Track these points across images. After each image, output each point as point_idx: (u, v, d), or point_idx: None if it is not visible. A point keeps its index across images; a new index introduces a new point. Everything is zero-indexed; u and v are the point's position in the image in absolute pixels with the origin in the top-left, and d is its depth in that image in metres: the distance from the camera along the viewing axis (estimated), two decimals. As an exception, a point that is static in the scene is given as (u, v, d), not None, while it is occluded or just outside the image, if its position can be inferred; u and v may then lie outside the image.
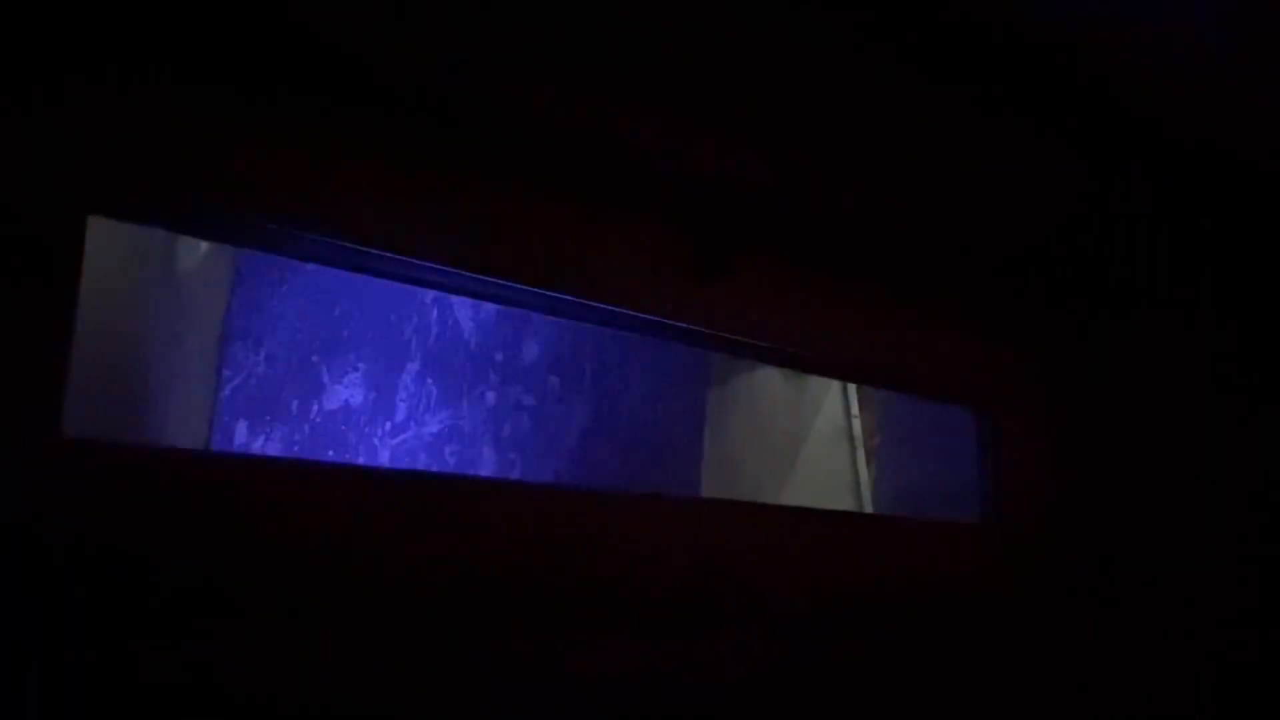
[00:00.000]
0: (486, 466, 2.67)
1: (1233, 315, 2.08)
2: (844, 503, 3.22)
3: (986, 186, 1.74)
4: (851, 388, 3.38)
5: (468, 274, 1.47)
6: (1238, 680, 1.97)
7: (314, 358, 2.40)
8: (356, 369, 2.48)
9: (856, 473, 3.28)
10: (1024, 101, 1.55)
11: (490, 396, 2.71)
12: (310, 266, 2.34)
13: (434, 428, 2.61)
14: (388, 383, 2.53)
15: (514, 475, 2.72)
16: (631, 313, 1.63)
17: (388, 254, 1.40)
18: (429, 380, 2.61)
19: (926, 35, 1.38)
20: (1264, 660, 1.94)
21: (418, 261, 1.42)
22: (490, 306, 2.68)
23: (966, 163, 1.67)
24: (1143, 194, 1.82)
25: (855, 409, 3.36)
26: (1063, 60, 1.46)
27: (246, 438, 2.28)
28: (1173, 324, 2.16)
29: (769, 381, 3.37)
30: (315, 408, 2.39)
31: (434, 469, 2.57)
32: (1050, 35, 1.41)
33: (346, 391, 2.45)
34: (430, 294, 2.60)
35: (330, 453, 2.40)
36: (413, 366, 2.59)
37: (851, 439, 3.34)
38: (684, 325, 1.70)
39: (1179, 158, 1.69)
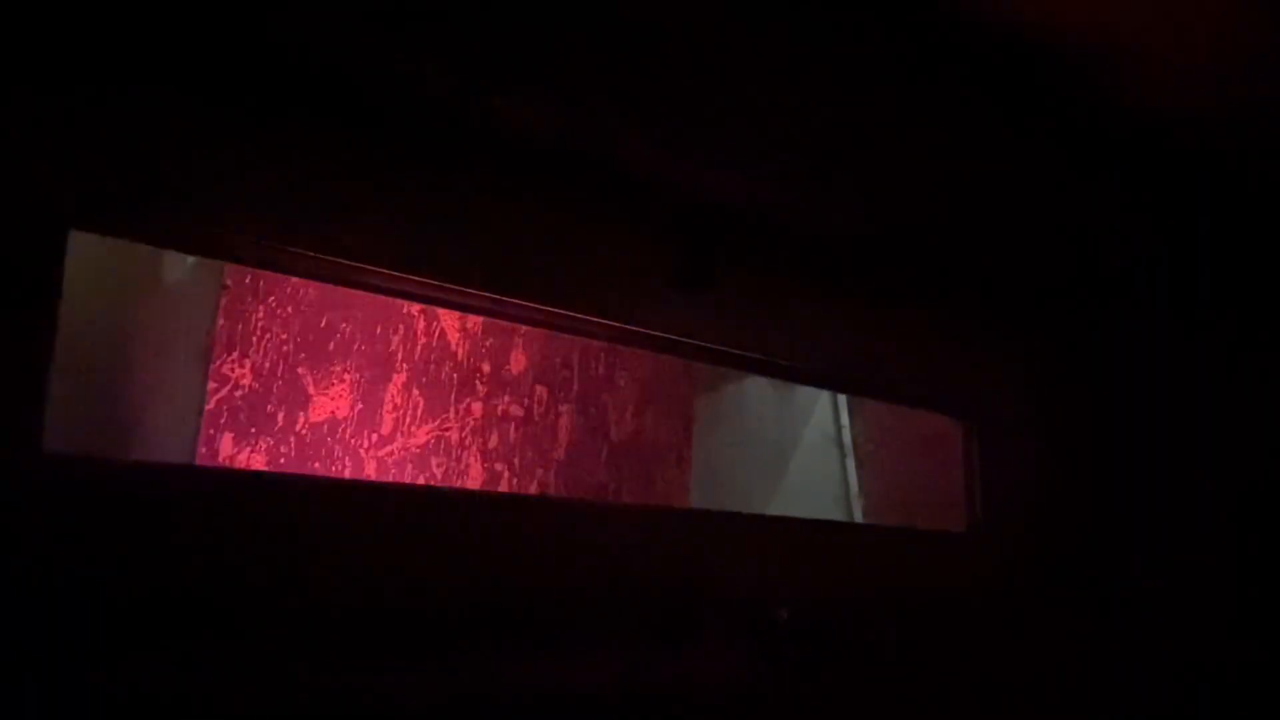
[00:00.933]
0: (473, 478, 2.67)
1: (1232, 316, 2.08)
2: (833, 512, 3.21)
3: (979, 191, 1.74)
4: (841, 396, 3.37)
5: (453, 287, 1.47)
6: (1237, 680, 1.97)
7: (299, 369, 2.39)
8: (342, 380, 2.46)
9: (846, 481, 3.27)
10: (1018, 105, 1.55)
11: (477, 408, 2.70)
12: (296, 279, 2.32)
13: (421, 439, 2.59)
14: (374, 394, 2.52)
15: (501, 487, 2.72)
16: (616, 324, 1.63)
17: (372, 267, 1.39)
18: (415, 391, 2.60)
19: (922, 39, 1.38)
20: (1263, 660, 1.94)
21: (402, 275, 1.42)
22: (477, 317, 2.67)
23: (960, 168, 1.67)
24: (1141, 196, 1.82)
25: (845, 418, 3.35)
26: (1057, 64, 1.46)
27: (232, 451, 2.26)
28: (1172, 325, 2.16)
29: (758, 391, 3.36)
30: (301, 420, 2.38)
31: (421, 481, 2.55)
32: (1045, 38, 1.41)
33: (332, 403, 2.44)
34: (416, 305, 2.59)
35: (316, 465, 2.38)
36: (399, 378, 2.57)
37: (841, 447, 3.33)
38: (670, 336, 1.70)
39: (1178, 160, 1.69)
